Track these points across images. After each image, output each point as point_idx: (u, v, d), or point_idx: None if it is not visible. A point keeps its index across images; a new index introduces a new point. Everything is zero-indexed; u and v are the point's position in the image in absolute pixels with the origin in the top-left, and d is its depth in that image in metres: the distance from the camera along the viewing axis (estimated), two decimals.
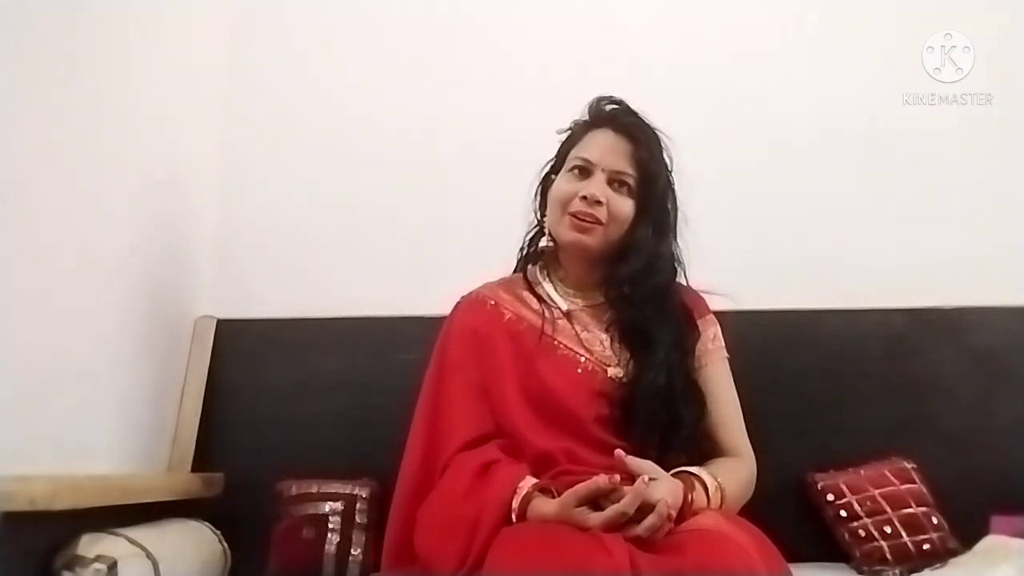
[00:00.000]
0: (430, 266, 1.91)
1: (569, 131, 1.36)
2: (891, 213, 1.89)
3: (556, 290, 1.33)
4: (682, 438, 1.19)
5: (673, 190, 1.32)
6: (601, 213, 1.24)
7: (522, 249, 1.41)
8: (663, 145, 1.31)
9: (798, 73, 1.98)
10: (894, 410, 1.68)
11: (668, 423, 1.19)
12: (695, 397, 1.24)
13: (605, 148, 1.27)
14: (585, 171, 1.27)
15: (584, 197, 1.24)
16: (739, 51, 1.99)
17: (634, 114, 1.31)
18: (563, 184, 1.29)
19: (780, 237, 1.89)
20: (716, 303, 1.39)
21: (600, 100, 1.34)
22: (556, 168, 1.35)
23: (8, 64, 1.26)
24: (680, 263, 1.33)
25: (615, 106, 1.33)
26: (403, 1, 2.09)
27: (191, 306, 1.87)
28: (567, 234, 1.26)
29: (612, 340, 1.27)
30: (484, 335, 1.28)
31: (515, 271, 1.41)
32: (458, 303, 1.36)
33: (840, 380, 1.70)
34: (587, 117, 1.34)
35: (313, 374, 1.79)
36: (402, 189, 1.99)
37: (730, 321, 1.38)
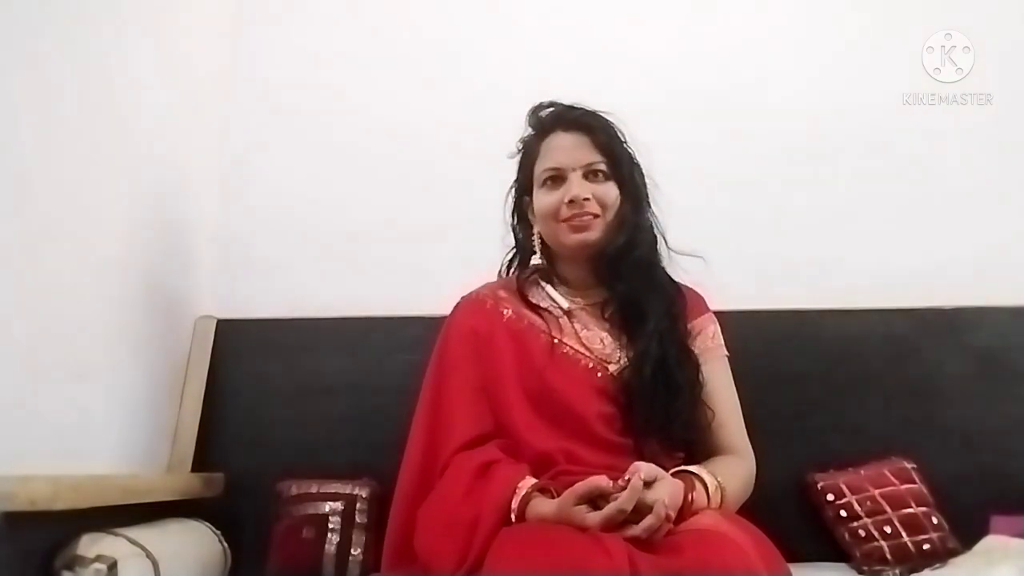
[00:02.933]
0: (430, 266, 1.91)
1: (520, 151, 1.37)
2: (891, 213, 1.89)
3: (556, 290, 1.34)
4: (680, 407, 1.20)
5: (637, 162, 1.33)
6: (592, 207, 1.25)
7: (499, 274, 1.41)
8: (613, 123, 1.32)
9: (798, 73, 1.98)
10: (894, 410, 1.68)
11: (666, 389, 1.19)
12: (689, 360, 1.25)
13: (567, 148, 1.28)
14: (558, 178, 1.28)
15: (571, 201, 1.25)
16: (738, 51, 2.00)
17: (574, 107, 1.32)
18: (544, 198, 1.29)
19: (780, 237, 1.89)
20: (716, 303, 1.39)
21: (537, 109, 1.35)
22: (526, 188, 1.36)
23: (8, 64, 1.26)
24: (660, 233, 1.33)
25: (551, 108, 1.33)
26: (402, 3, 2.09)
27: (191, 306, 1.87)
28: (569, 238, 1.27)
29: (611, 335, 1.28)
30: (484, 334, 1.28)
31: (504, 274, 1.41)
32: (458, 303, 1.36)
33: (840, 380, 1.71)
34: (533, 130, 1.35)
35: (313, 374, 1.79)
36: (402, 189, 1.99)
37: (730, 321, 1.38)
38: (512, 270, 1.40)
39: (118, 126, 1.57)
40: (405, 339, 1.72)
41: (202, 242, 1.92)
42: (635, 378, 1.21)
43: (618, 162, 1.29)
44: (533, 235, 1.35)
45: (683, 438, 1.21)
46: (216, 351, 1.83)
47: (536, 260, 1.34)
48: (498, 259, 1.42)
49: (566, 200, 1.25)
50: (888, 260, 1.86)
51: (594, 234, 1.26)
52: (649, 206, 1.33)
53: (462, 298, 1.37)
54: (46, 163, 1.35)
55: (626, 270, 1.26)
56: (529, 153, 1.35)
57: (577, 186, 1.25)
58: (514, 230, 1.40)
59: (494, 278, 1.40)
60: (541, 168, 1.30)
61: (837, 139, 1.93)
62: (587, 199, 1.25)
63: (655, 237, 1.32)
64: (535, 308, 1.30)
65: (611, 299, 1.29)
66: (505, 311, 1.31)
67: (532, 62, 2.01)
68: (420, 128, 2.01)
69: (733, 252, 1.81)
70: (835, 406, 1.69)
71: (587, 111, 1.31)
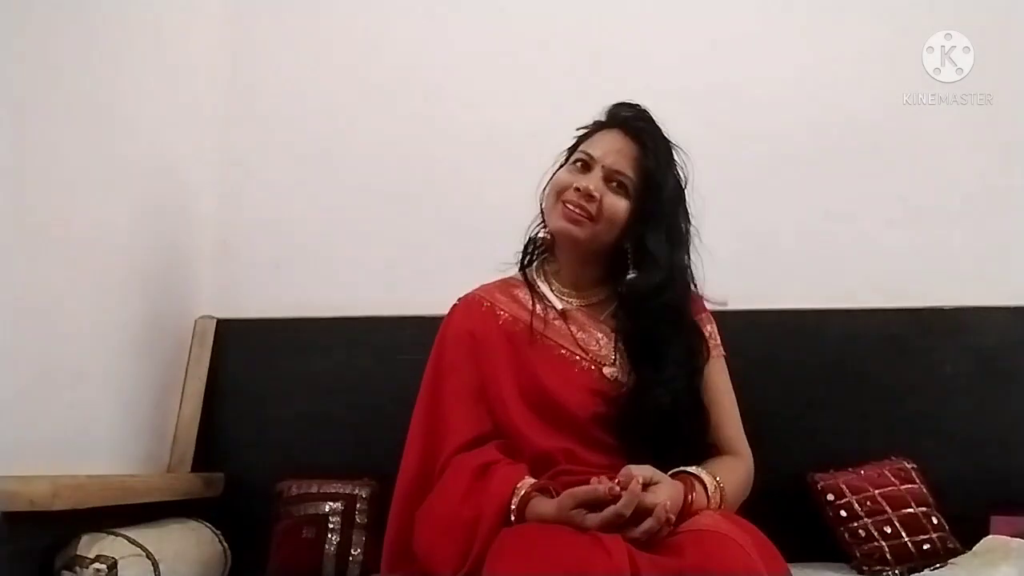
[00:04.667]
0: (430, 266, 1.91)
1: (586, 129, 1.36)
2: (891, 213, 1.89)
3: (552, 289, 1.33)
4: (679, 454, 1.17)
5: (685, 204, 1.31)
6: (592, 207, 1.24)
7: (526, 248, 1.40)
8: (675, 157, 1.30)
9: (798, 73, 1.97)
10: (894, 410, 1.68)
11: (668, 439, 1.18)
12: (700, 416, 1.23)
13: (609, 147, 1.28)
14: (586, 166, 1.28)
15: (577, 189, 1.25)
16: (739, 51, 1.99)
17: (650, 121, 1.31)
18: (563, 174, 1.29)
19: (780, 237, 1.89)
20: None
21: (619, 104, 1.34)
22: (566, 163, 1.36)
23: (8, 64, 1.27)
24: (694, 279, 1.31)
25: (632, 111, 1.33)
26: (403, 3, 2.09)
27: (191, 306, 1.87)
28: (557, 222, 1.27)
29: (611, 341, 1.27)
30: (480, 336, 1.28)
31: (520, 268, 1.41)
32: (454, 305, 1.36)
33: (840, 380, 1.70)
34: (603, 118, 1.35)
35: (313, 374, 1.79)
36: (402, 189, 1.99)
37: (730, 321, 1.38)
38: (524, 255, 1.39)
39: (119, 127, 1.57)
40: (405, 339, 1.72)
41: (202, 242, 1.93)
42: (639, 422, 1.18)
43: (647, 186, 1.26)
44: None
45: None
46: (216, 351, 1.83)
47: (542, 233, 1.34)
48: (498, 259, 1.41)
49: (575, 186, 1.25)
50: (888, 260, 1.86)
51: (580, 232, 1.25)
52: (687, 251, 1.29)
53: (458, 300, 1.37)
54: (47, 164, 1.35)
55: (654, 310, 1.23)
56: (586, 134, 1.35)
57: (592, 180, 1.25)
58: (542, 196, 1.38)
59: (494, 278, 1.40)
60: (581, 149, 1.30)
61: (837, 139, 1.93)
62: (592, 196, 1.24)
63: (689, 282, 1.30)
64: (529, 309, 1.30)
65: (621, 318, 1.27)
66: (501, 313, 1.31)
67: (531, 65, 2.01)
68: (420, 129, 2.01)
69: (733, 252, 1.81)
70: (835, 406, 1.68)
71: (657, 131, 1.29)
